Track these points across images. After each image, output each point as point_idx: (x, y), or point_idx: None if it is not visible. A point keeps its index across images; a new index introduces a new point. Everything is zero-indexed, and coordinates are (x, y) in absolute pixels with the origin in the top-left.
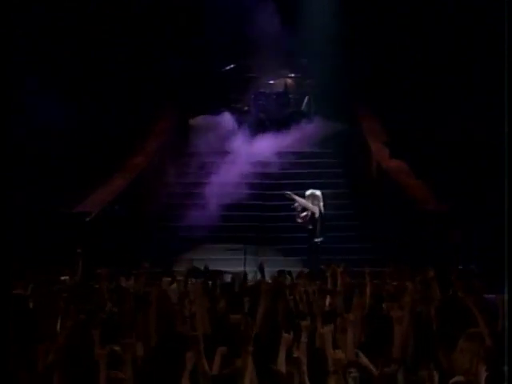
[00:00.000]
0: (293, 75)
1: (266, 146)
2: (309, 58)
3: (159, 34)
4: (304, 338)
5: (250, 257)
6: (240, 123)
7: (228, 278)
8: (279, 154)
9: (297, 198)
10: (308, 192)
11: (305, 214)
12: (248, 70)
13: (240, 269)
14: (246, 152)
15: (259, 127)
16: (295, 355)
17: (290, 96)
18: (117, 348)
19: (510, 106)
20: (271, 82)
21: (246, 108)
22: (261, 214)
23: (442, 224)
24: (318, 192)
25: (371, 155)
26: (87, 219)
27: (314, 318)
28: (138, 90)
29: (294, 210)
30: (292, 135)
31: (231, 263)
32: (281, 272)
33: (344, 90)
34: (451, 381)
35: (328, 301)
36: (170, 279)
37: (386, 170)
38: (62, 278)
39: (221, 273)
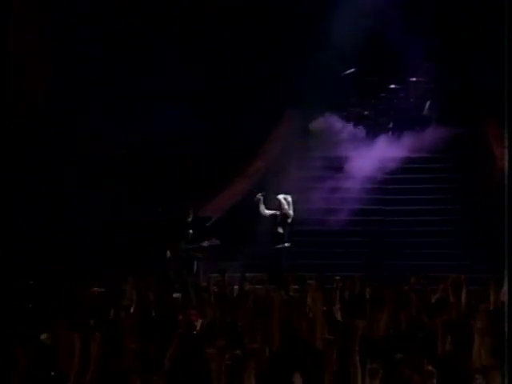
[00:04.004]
0: (415, 79)
1: (387, 151)
2: (431, 62)
3: (281, 38)
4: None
5: None
6: (360, 128)
7: None
8: (399, 159)
9: (262, 207)
10: (280, 196)
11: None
12: (369, 74)
13: None
14: (365, 157)
15: (380, 132)
16: (428, 368)
17: (412, 101)
18: (238, 352)
19: (510, 106)
20: (392, 86)
21: (366, 112)
22: (384, 218)
23: None
24: (289, 197)
25: (495, 161)
26: (207, 224)
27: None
28: (259, 95)
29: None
30: (413, 140)
31: None
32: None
33: (467, 94)
34: None
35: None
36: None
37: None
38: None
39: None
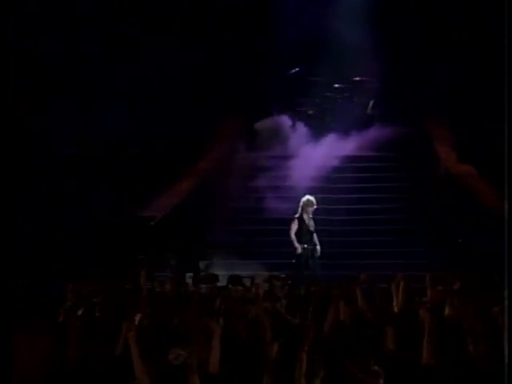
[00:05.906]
0: (358, 78)
1: (331, 150)
2: (376, 62)
3: (224, 37)
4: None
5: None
6: (305, 127)
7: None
8: (344, 158)
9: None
10: (305, 198)
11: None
12: (313, 74)
13: None
14: (311, 156)
15: (324, 131)
16: (374, 368)
17: (355, 100)
18: (182, 352)
19: (510, 106)
20: (336, 85)
21: (310, 112)
22: (326, 217)
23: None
24: (313, 198)
25: (439, 159)
26: (152, 223)
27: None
28: (204, 95)
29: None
30: (357, 139)
31: None
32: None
33: (411, 93)
34: None
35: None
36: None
37: (454, 174)
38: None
39: (285, 277)
